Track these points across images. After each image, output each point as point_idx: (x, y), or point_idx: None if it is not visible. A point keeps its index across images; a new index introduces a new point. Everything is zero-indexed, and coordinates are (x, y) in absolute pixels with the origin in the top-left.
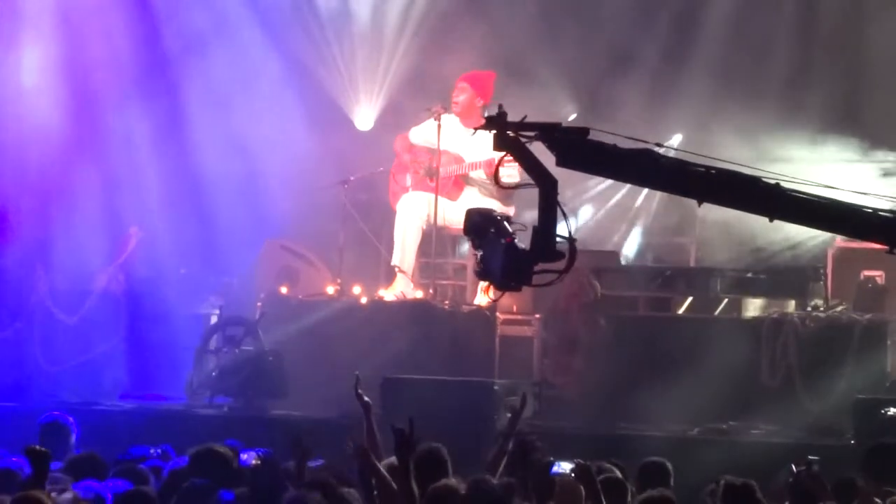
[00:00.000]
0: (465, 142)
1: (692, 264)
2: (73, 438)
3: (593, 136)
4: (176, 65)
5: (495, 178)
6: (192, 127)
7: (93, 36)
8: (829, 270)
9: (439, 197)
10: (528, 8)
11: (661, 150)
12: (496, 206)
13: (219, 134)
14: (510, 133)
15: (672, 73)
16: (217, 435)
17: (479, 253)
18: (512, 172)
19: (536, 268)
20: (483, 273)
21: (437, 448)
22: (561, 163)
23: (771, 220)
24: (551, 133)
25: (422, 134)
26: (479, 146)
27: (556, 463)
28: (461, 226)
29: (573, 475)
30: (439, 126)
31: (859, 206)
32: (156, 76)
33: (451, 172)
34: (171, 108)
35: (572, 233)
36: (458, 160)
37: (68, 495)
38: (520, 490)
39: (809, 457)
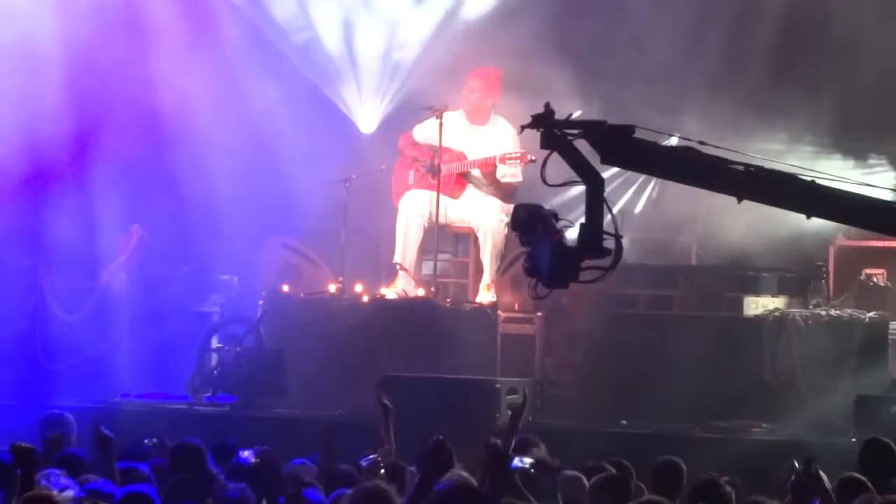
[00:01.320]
0: (467, 140)
1: (693, 262)
2: (73, 436)
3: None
4: (180, 61)
5: (492, 176)
6: (192, 127)
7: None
8: (831, 268)
9: (441, 195)
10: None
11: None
12: (498, 204)
13: (222, 131)
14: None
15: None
16: (218, 433)
17: (527, 249)
18: (515, 171)
19: (582, 264)
20: (531, 270)
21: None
22: (605, 160)
23: (808, 217)
24: (596, 131)
25: (424, 132)
26: (481, 144)
27: (518, 458)
28: (463, 224)
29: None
30: (441, 124)
31: (893, 202)
32: (159, 71)
33: (453, 170)
34: (172, 106)
35: (619, 229)
36: (461, 158)
37: (68, 493)
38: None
39: (807, 456)
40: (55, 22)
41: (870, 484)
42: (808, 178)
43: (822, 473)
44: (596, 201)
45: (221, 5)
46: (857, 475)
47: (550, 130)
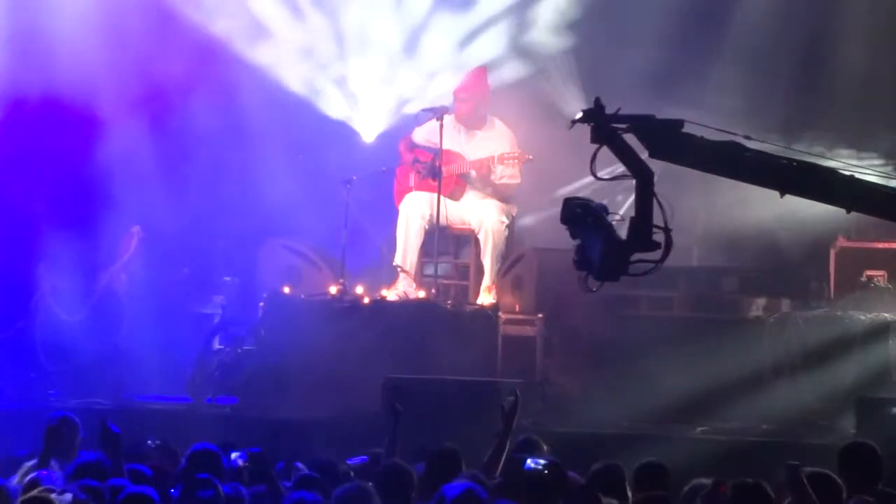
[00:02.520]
0: (466, 142)
1: (694, 264)
2: (78, 438)
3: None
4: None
5: (490, 177)
6: (194, 126)
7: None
8: (831, 270)
9: (442, 196)
10: None
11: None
12: (497, 206)
13: (222, 132)
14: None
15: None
16: (219, 435)
17: (577, 242)
18: (513, 172)
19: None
20: (581, 263)
21: (452, 449)
22: (653, 154)
23: (848, 212)
24: (645, 125)
25: (424, 134)
26: (479, 147)
27: (531, 459)
28: (464, 225)
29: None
30: (441, 126)
31: None
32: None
33: (452, 172)
34: (173, 106)
35: (669, 223)
36: (460, 159)
37: (68, 496)
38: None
39: (788, 463)
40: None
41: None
42: (848, 173)
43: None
44: (645, 194)
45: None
46: (828, 473)
47: (600, 125)
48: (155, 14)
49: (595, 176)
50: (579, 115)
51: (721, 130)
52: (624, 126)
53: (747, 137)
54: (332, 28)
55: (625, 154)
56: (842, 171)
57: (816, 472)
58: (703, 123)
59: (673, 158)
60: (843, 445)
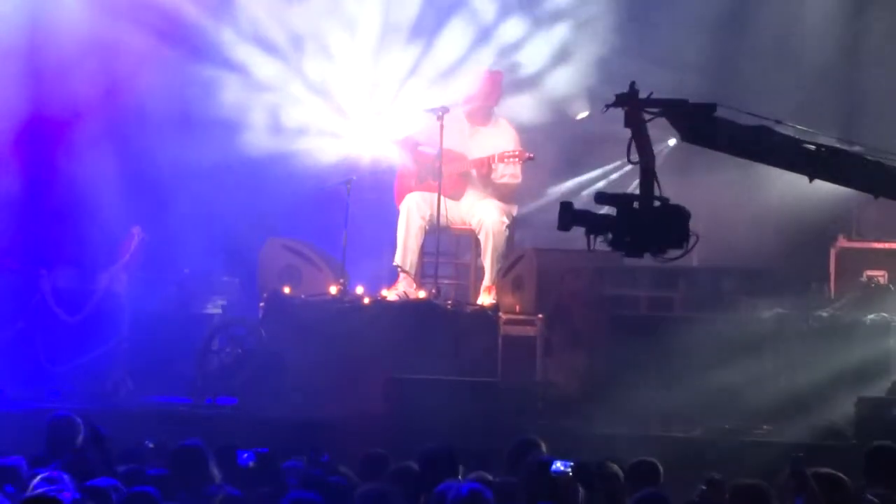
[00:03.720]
0: (468, 141)
1: (694, 264)
2: (80, 438)
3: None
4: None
5: (488, 176)
6: (195, 125)
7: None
8: (832, 270)
9: (442, 196)
10: None
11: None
12: (498, 206)
13: (222, 132)
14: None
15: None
16: (219, 435)
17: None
18: (514, 171)
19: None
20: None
21: (446, 447)
22: (685, 138)
23: (876, 197)
24: (678, 109)
25: (425, 133)
26: (482, 145)
27: (556, 461)
28: (464, 225)
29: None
30: (442, 126)
31: None
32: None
33: (453, 171)
34: (173, 106)
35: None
36: (461, 159)
37: (68, 496)
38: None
39: (794, 456)
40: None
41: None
42: (875, 159)
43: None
44: (648, 179)
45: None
46: (835, 473)
47: (635, 109)
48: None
49: (630, 161)
50: (613, 99)
51: (752, 115)
52: (657, 110)
53: (778, 122)
54: (333, 28)
55: (642, 140)
56: (868, 157)
57: (821, 472)
58: (735, 107)
59: (705, 142)
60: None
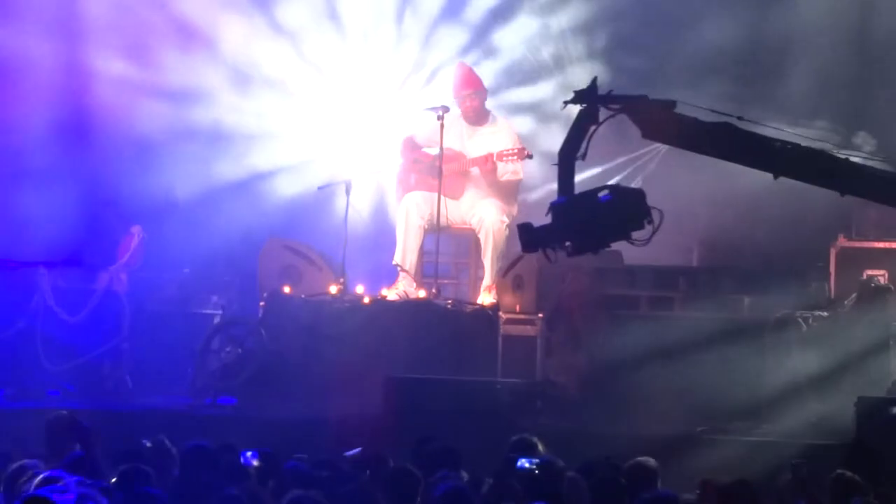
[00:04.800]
0: (468, 141)
1: (694, 264)
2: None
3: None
4: (179, 60)
5: (492, 175)
6: (194, 126)
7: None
8: (832, 269)
9: (442, 196)
10: None
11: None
12: (498, 205)
13: (221, 132)
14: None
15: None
16: (220, 435)
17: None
18: (515, 168)
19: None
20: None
21: (450, 446)
22: (646, 135)
23: (842, 195)
24: (638, 106)
25: (425, 133)
26: (481, 144)
27: (525, 459)
28: (464, 225)
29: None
30: (442, 125)
31: None
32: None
33: (453, 171)
34: (173, 107)
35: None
36: (461, 158)
37: (70, 496)
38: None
39: (795, 461)
40: None
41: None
42: (843, 156)
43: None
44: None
45: None
46: (848, 473)
47: (593, 105)
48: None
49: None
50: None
51: (715, 112)
52: (618, 107)
53: (740, 119)
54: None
55: (584, 137)
56: (837, 155)
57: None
58: (698, 105)
59: (665, 139)
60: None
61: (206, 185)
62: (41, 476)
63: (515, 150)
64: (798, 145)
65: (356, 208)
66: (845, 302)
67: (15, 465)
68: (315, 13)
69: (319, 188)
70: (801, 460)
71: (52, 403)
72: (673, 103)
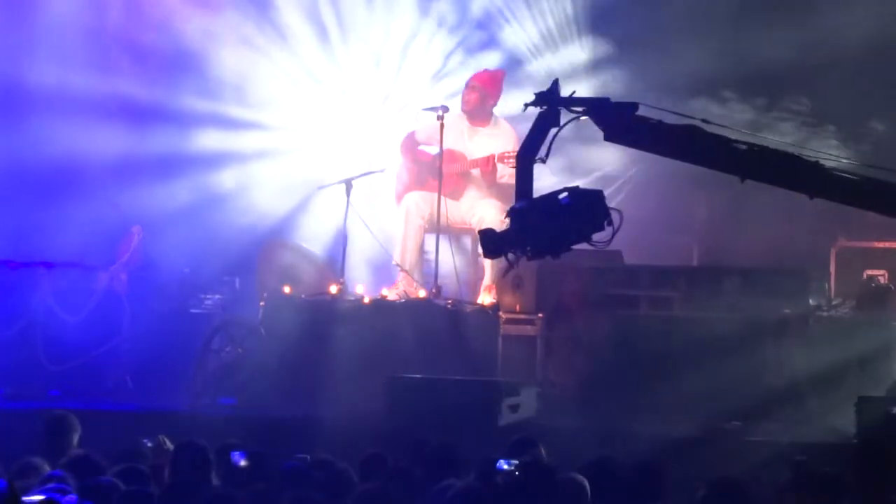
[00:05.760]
0: (468, 141)
1: (695, 264)
2: (76, 437)
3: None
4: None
5: (492, 177)
6: (195, 126)
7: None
8: (832, 270)
9: (442, 196)
10: None
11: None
12: (498, 205)
13: (222, 132)
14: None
15: None
16: (220, 435)
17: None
18: (514, 172)
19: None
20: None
21: (449, 445)
22: (609, 137)
23: (811, 198)
24: (600, 108)
25: (425, 133)
26: (482, 145)
27: (504, 460)
28: (464, 224)
29: None
30: (442, 125)
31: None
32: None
33: (453, 171)
34: (174, 107)
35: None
36: (462, 159)
37: (71, 498)
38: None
39: (795, 458)
40: None
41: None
42: (812, 159)
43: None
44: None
45: None
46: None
47: (553, 107)
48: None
49: (544, 161)
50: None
51: (679, 114)
52: (581, 109)
53: (705, 121)
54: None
55: (545, 140)
56: (806, 157)
57: (820, 471)
58: (662, 107)
59: (628, 142)
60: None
61: (206, 186)
62: (42, 476)
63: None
64: (766, 147)
65: (356, 208)
66: (845, 302)
67: (19, 463)
68: (314, 14)
69: (319, 188)
70: (802, 458)
71: (52, 403)
72: (635, 105)
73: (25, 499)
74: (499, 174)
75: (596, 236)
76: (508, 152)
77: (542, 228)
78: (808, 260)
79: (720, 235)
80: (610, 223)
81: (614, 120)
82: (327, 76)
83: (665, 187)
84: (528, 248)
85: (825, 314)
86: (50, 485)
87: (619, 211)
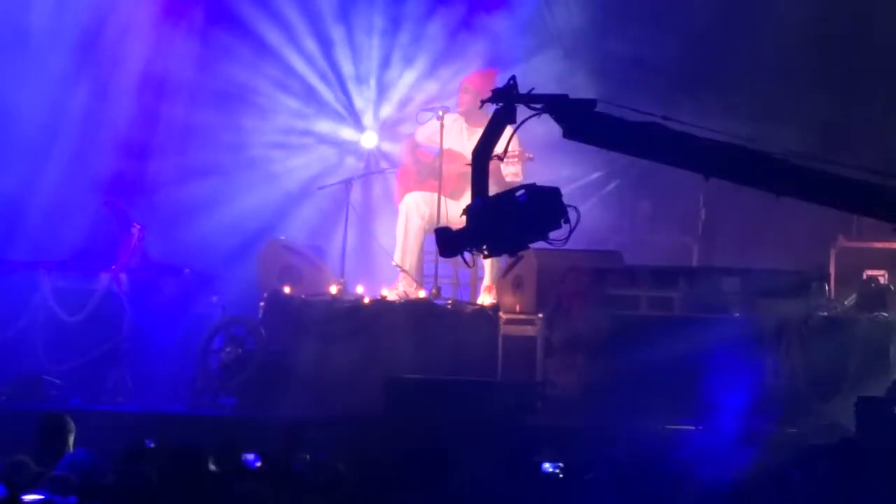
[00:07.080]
0: (467, 142)
1: (695, 264)
2: (71, 437)
3: (600, 107)
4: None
5: (492, 176)
6: (195, 127)
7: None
8: (832, 270)
9: (442, 196)
10: None
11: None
12: None
13: (223, 133)
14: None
15: None
16: (219, 435)
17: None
18: (515, 170)
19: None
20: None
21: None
22: (567, 135)
23: (777, 197)
24: (559, 105)
25: (426, 133)
26: None
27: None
28: (464, 224)
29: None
30: (442, 125)
31: (868, 181)
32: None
33: (453, 171)
34: (175, 107)
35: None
36: (461, 159)
37: (72, 499)
38: None
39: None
40: None
41: None
42: (780, 157)
43: None
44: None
45: None
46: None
47: (510, 104)
48: None
49: (501, 158)
50: (490, 94)
51: (639, 111)
52: (539, 106)
53: (665, 118)
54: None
55: (500, 137)
56: (774, 155)
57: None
58: (623, 105)
59: (587, 139)
60: None
61: (206, 186)
62: (42, 476)
63: (516, 153)
64: (730, 144)
65: (356, 208)
66: (845, 302)
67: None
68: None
69: (319, 188)
70: (798, 458)
71: (52, 403)
72: (593, 102)
73: (26, 499)
74: (501, 173)
75: (553, 234)
76: (508, 152)
77: (499, 227)
78: (808, 260)
79: (720, 235)
80: (567, 221)
81: (573, 117)
82: (327, 76)
83: (665, 187)
84: (485, 247)
85: (825, 314)
86: (50, 485)
87: (576, 208)
